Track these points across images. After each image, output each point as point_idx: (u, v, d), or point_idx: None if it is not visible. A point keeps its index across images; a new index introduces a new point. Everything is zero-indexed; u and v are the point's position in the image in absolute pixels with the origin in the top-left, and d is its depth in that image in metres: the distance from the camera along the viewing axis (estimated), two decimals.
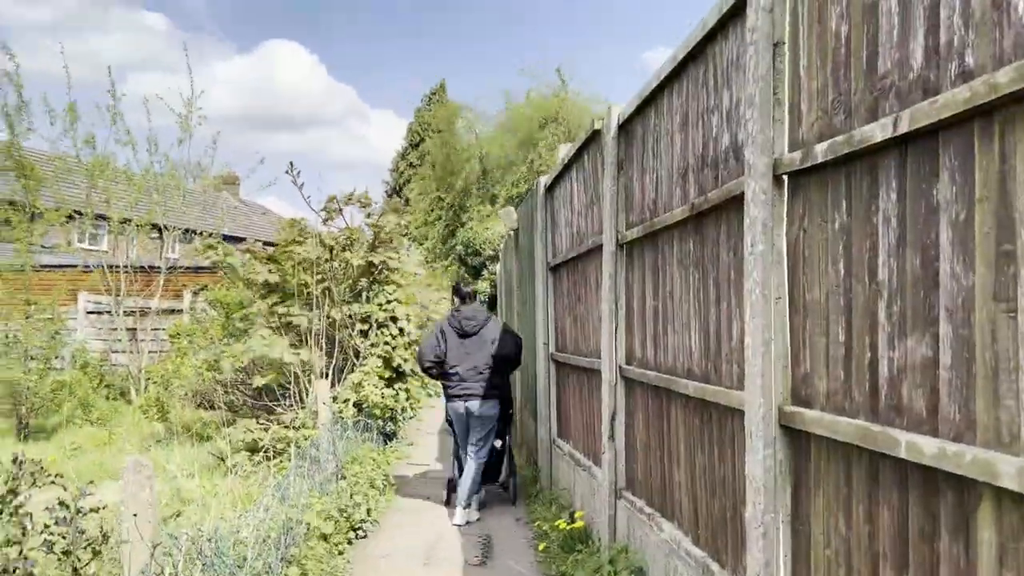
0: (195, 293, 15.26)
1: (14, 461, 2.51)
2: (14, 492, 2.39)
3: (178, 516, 5.03)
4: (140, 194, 14.24)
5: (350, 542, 5.59)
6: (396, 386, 9.16)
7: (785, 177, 2.57)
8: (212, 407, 9.65)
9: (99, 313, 14.57)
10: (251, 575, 3.78)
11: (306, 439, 6.61)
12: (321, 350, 8.75)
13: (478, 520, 6.40)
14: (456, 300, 6.86)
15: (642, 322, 4.31)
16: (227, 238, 13.57)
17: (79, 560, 2.53)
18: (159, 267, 14.61)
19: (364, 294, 9.44)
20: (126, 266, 14.01)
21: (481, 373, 6.51)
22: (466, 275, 22.42)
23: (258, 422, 8.04)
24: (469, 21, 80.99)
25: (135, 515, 2.58)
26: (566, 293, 6.35)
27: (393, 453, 8.86)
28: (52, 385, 11.07)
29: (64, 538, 2.40)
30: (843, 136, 2.20)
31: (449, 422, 6.95)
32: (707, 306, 3.32)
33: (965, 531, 1.76)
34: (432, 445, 10.13)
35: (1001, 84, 1.61)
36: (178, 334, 13.41)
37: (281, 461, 6.79)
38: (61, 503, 2.43)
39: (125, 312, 14.00)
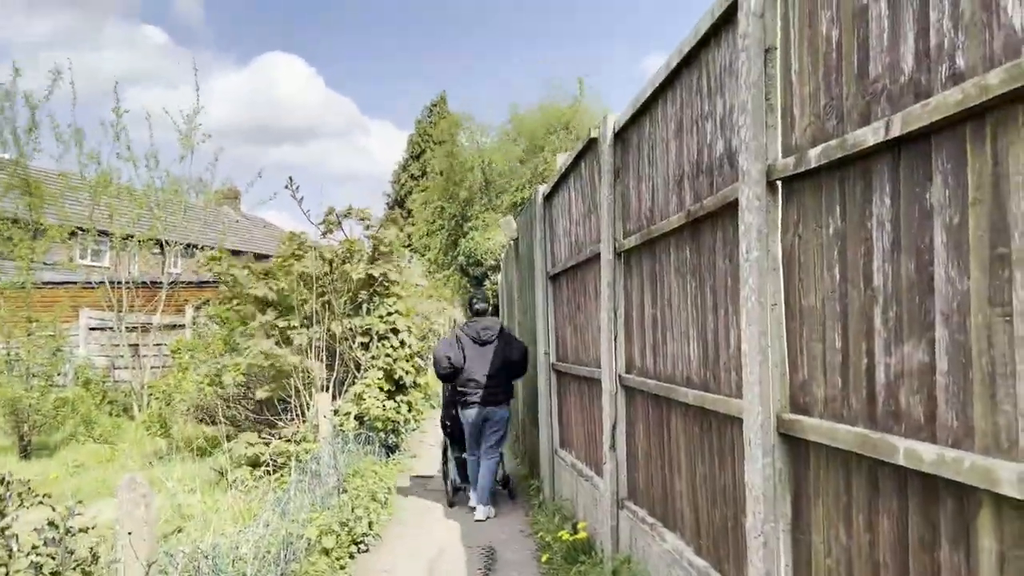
0: (197, 308, 15.26)
1: (1, 481, 2.49)
2: (0, 513, 2.37)
3: (179, 532, 5.00)
4: (142, 210, 14.29)
5: (352, 556, 5.56)
6: (398, 398, 9.13)
7: (779, 183, 2.55)
8: (214, 422, 9.61)
9: (101, 329, 14.57)
10: None
11: (307, 453, 6.58)
12: (322, 363, 8.72)
13: (486, 519, 6.83)
14: (471, 312, 7.38)
15: (641, 330, 4.29)
16: (229, 252, 13.57)
17: None
18: (161, 282, 14.63)
19: (364, 306, 9.42)
20: (128, 282, 14.03)
21: (497, 379, 6.99)
22: (469, 286, 22.41)
23: (260, 436, 8.01)
24: (467, 32, 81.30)
25: (130, 533, 2.56)
26: (566, 302, 6.33)
27: (395, 465, 8.82)
28: (55, 402, 11.05)
29: (53, 559, 2.38)
30: (836, 141, 2.18)
31: (444, 428, 7.51)
32: (705, 314, 3.30)
33: (965, 539, 1.73)
34: (435, 457, 10.06)
35: (992, 86, 1.59)
36: (180, 349, 13.39)
37: (282, 475, 6.76)
38: (50, 523, 2.40)
39: (127, 328, 14.00)
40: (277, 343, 8.44)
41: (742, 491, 2.87)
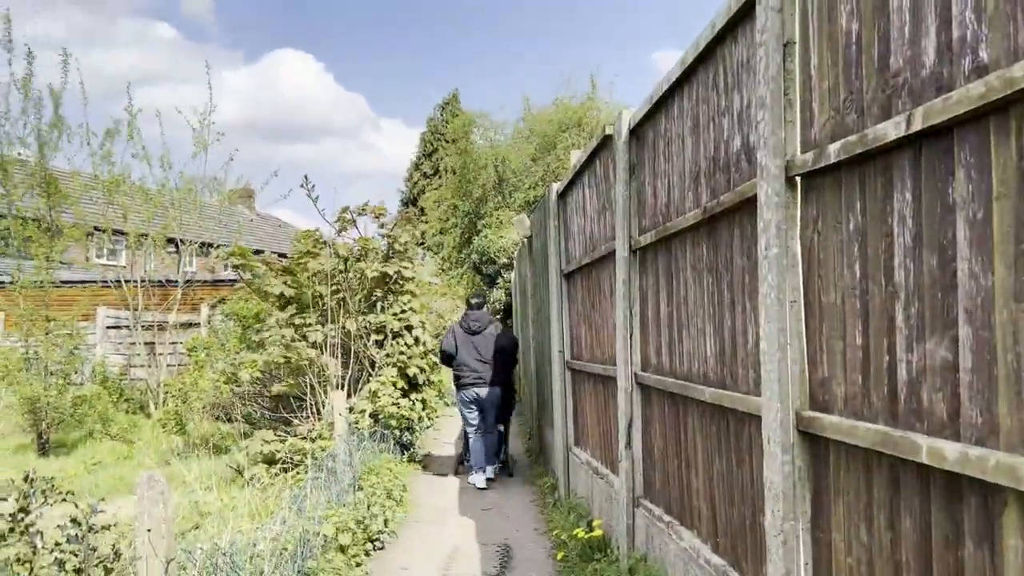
0: (212, 306, 15.35)
1: (25, 479, 2.51)
2: (25, 510, 2.39)
3: (196, 529, 5.03)
4: (157, 209, 14.38)
5: (368, 553, 5.57)
6: (412, 396, 9.14)
7: (798, 179, 2.53)
8: (230, 419, 9.68)
9: (118, 328, 14.68)
10: None
11: (323, 451, 6.61)
12: (337, 360, 8.75)
13: (488, 487, 7.91)
14: (467, 306, 8.68)
15: (657, 328, 4.27)
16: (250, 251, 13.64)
17: None
18: (176, 281, 14.72)
19: (379, 304, 9.44)
20: (144, 280, 14.13)
21: (486, 363, 8.14)
22: (481, 284, 22.40)
23: (275, 434, 8.05)
24: (476, 29, 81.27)
25: (149, 531, 2.57)
26: (580, 300, 6.32)
27: (410, 463, 8.84)
28: (72, 400, 11.15)
29: (76, 556, 2.39)
30: (856, 135, 2.16)
31: (462, 413, 8.48)
32: (722, 311, 3.28)
33: (990, 538, 1.71)
34: (449, 454, 10.10)
35: (1017, 78, 1.57)
36: (195, 347, 13.48)
37: (298, 473, 6.79)
38: (73, 520, 2.42)
39: (143, 326, 14.10)
40: (293, 340, 8.47)
41: (760, 489, 2.85)
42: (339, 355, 8.84)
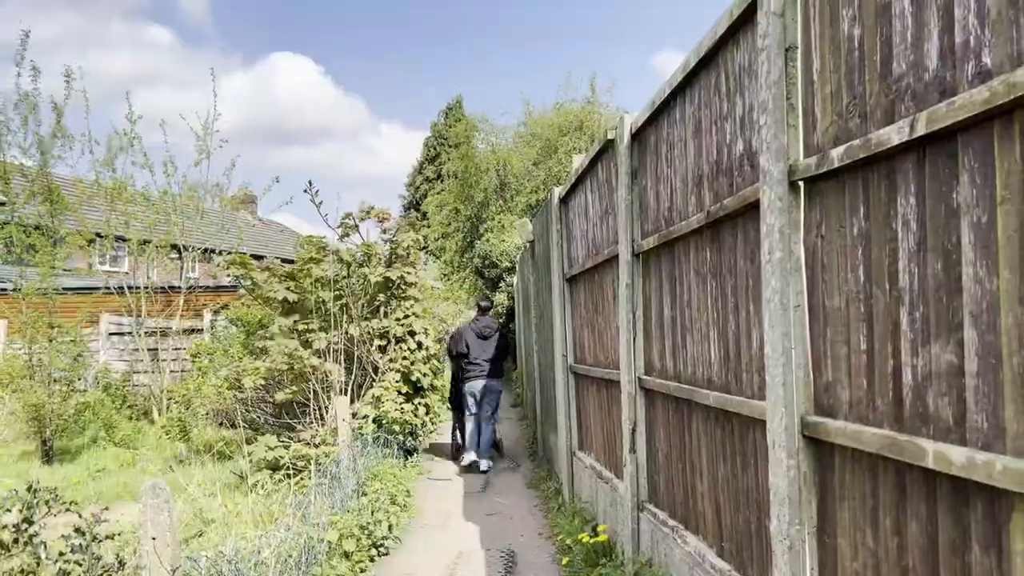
0: (215, 312, 15.36)
1: (28, 489, 2.51)
2: (29, 521, 2.38)
3: (200, 536, 5.03)
4: (159, 215, 14.38)
5: (372, 559, 5.57)
6: (415, 401, 9.14)
7: (801, 183, 2.53)
8: (233, 425, 9.67)
9: (121, 334, 14.69)
10: None
11: (327, 456, 6.60)
12: (340, 366, 8.75)
13: (489, 471, 9.13)
14: (477, 312, 10.15)
15: (660, 332, 4.27)
16: (251, 257, 13.64)
17: None
18: (179, 287, 14.72)
19: (382, 309, 9.45)
20: (147, 287, 14.14)
21: (492, 362, 9.65)
22: (484, 288, 22.39)
23: (279, 439, 8.05)
24: (476, 32, 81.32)
25: (153, 539, 2.57)
26: (583, 304, 6.31)
27: (414, 468, 8.84)
28: (76, 407, 11.14)
29: (80, 565, 2.39)
30: (859, 140, 2.16)
31: (456, 406, 10.08)
32: (725, 315, 3.28)
33: (997, 543, 1.70)
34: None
35: (1021, 83, 1.57)
36: (199, 353, 13.48)
37: (302, 479, 6.79)
38: (77, 530, 2.41)
39: (146, 333, 14.11)
40: (296, 351, 8.47)
41: (765, 493, 2.85)
42: (342, 360, 8.84)
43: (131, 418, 12.73)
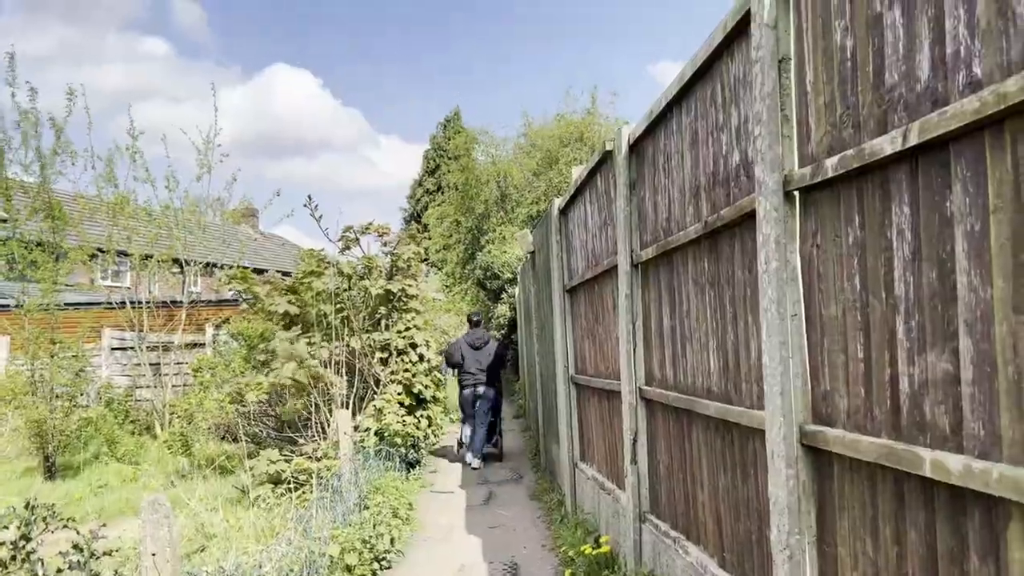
0: (217, 326, 15.37)
1: (26, 506, 2.51)
2: (26, 537, 2.39)
3: (202, 551, 5.02)
4: (161, 230, 14.42)
5: (374, 573, 5.55)
6: (417, 413, 9.13)
7: (796, 193, 2.54)
8: (235, 440, 9.67)
9: (123, 349, 14.70)
10: None
11: (329, 470, 6.59)
12: (342, 379, 8.75)
13: (482, 467, 10.15)
14: (469, 325, 11.07)
15: (660, 342, 4.27)
16: (252, 270, 13.66)
17: None
18: (181, 301, 14.75)
19: (383, 322, 9.45)
20: (149, 301, 14.16)
21: (483, 370, 10.58)
22: (485, 300, 22.40)
23: (281, 453, 8.04)
24: (475, 44, 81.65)
25: (154, 555, 2.57)
26: (583, 315, 6.32)
27: (416, 481, 8.82)
28: (78, 423, 11.14)
29: None
30: (853, 150, 2.18)
31: (461, 407, 10.87)
32: (724, 325, 3.29)
33: (995, 551, 1.70)
34: (456, 471, 10.08)
35: (1011, 93, 1.59)
36: (201, 368, 13.48)
37: (304, 493, 6.77)
38: (75, 546, 2.42)
39: (148, 347, 14.11)
40: (300, 361, 8.47)
41: (766, 503, 2.85)
42: (344, 373, 8.84)
43: (133, 433, 12.71)
